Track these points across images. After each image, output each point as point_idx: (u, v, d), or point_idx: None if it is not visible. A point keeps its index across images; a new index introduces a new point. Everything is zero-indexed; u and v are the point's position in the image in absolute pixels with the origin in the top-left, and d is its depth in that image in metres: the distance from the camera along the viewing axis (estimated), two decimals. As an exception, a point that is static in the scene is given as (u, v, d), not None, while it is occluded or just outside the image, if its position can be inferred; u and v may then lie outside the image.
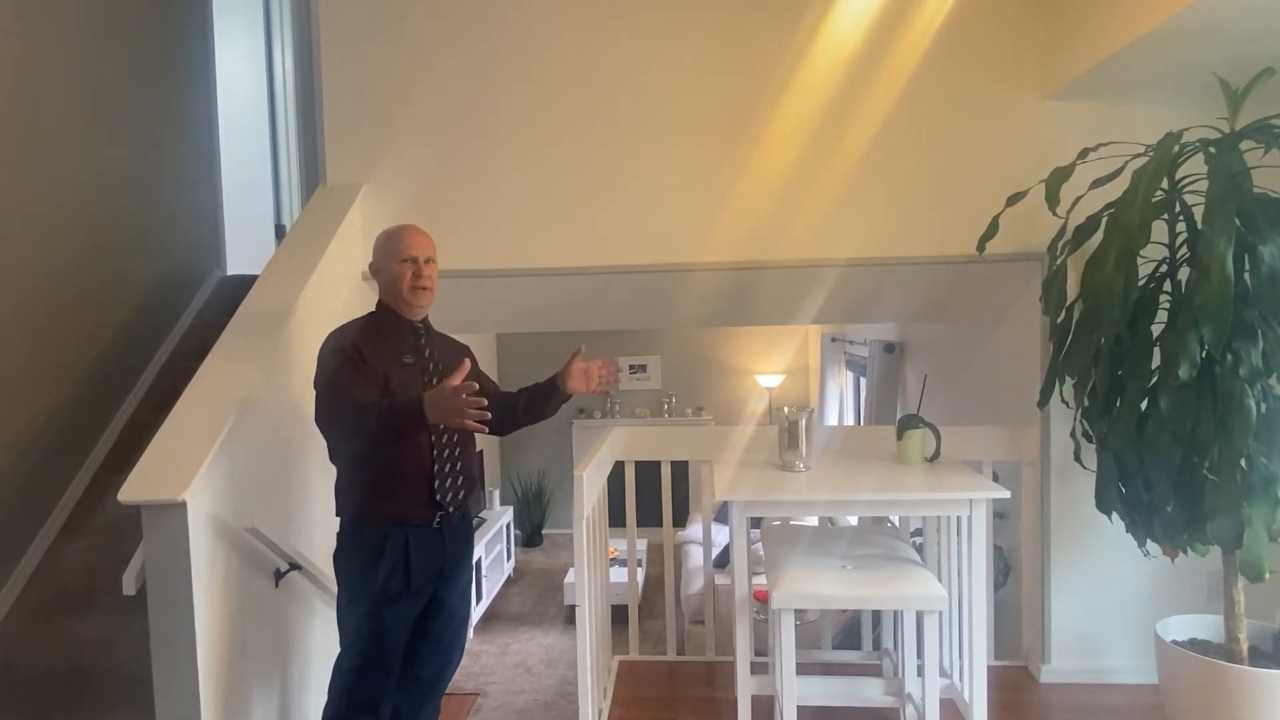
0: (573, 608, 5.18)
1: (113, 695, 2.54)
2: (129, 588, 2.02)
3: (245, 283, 2.73)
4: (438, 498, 2.05)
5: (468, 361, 1.89)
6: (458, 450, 2.11)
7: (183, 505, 1.89)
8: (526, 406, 2.26)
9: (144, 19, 3.96)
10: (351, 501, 2.06)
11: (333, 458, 2.08)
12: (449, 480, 2.08)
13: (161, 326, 4.01)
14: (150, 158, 3.97)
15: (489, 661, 4.71)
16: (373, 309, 2.17)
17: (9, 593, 2.95)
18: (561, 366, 2.21)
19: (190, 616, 1.92)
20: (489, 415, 1.82)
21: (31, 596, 2.94)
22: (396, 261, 2.07)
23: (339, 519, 2.10)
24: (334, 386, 1.97)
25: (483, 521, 5.83)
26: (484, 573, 5.39)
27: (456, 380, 1.79)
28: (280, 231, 5.27)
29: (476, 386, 1.80)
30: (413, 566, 2.03)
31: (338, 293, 2.71)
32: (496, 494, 6.35)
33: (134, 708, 2.48)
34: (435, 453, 2.05)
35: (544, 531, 7.36)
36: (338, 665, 2.09)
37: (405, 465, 2.02)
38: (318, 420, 2.01)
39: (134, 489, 1.92)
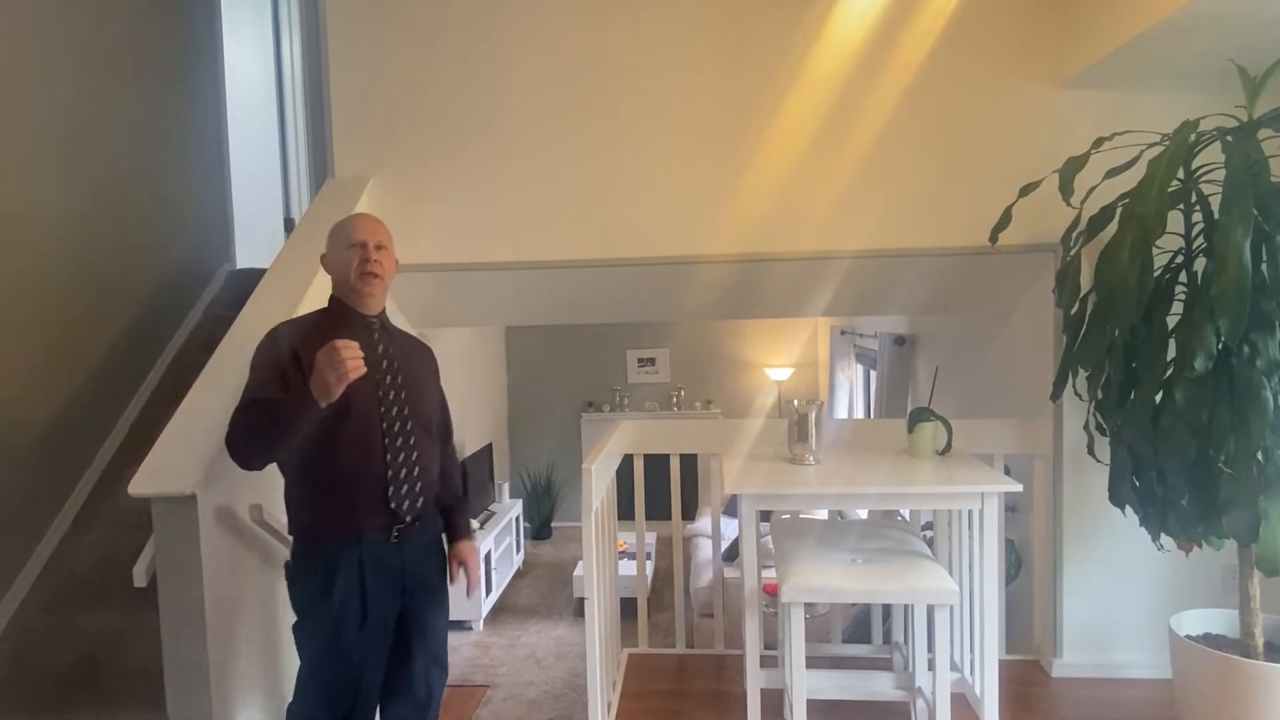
0: (582, 600, 5.18)
1: (124, 687, 2.56)
2: (140, 580, 2.03)
3: (254, 276, 2.73)
4: (393, 505, 1.86)
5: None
6: (414, 455, 1.92)
7: (192, 498, 1.90)
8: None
9: (152, 13, 3.96)
10: (300, 517, 1.87)
11: (280, 467, 1.89)
12: (405, 486, 1.89)
13: (171, 320, 4.03)
14: (159, 152, 3.98)
15: (498, 654, 4.72)
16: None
17: (21, 585, 2.98)
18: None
19: (201, 608, 1.93)
20: (361, 362, 1.68)
21: (44, 589, 2.97)
22: (345, 247, 1.92)
23: (290, 536, 1.93)
24: (246, 389, 1.82)
25: (491, 514, 5.84)
26: (493, 565, 5.40)
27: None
28: (289, 225, 5.28)
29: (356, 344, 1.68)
30: (369, 592, 1.83)
31: (346, 286, 2.70)
32: (506, 487, 6.36)
33: (145, 699, 2.49)
34: (389, 457, 1.87)
35: (553, 524, 7.37)
36: (301, 680, 1.88)
37: (357, 469, 1.84)
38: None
39: (144, 482, 1.93)
